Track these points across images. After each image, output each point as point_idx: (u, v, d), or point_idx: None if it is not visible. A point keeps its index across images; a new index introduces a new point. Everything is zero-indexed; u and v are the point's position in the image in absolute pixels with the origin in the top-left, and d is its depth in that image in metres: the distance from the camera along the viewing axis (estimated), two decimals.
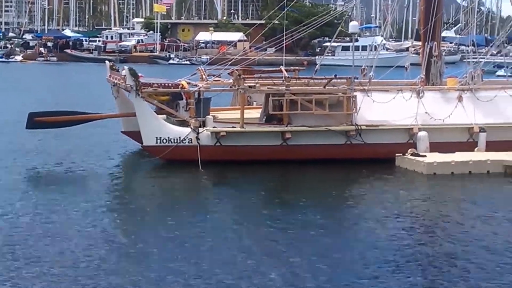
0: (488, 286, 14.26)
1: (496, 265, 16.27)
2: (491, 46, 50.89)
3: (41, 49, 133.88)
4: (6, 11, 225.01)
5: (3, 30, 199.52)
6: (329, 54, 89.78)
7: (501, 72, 45.44)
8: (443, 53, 36.20)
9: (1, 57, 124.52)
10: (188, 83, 29.99)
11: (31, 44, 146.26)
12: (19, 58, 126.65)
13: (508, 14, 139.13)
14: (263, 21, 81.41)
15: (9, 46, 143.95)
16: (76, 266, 15.70)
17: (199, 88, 29.42)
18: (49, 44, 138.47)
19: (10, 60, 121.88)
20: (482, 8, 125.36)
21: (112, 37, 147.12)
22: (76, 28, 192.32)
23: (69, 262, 15.49)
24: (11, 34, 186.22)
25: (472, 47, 49.09)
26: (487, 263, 16.47)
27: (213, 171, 26.65)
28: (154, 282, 14.82)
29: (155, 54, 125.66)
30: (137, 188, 25.87)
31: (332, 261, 16.14)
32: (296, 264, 15.97)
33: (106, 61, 36.98)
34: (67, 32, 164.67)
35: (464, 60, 59.64)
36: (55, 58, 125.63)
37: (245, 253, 16.87)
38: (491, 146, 28.62)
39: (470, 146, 28.85)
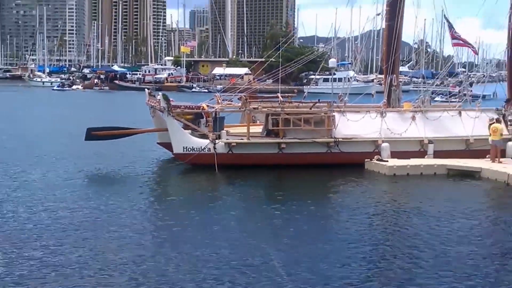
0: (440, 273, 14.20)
1: (443, 252, 16.38)
2: (436, 79, 50.90)
3: (96, 80, 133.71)
4: (69, 51, 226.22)
5: (67, 66, 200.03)
6: (314, 84, 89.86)
7: (438, 98, 45.34)
8: (400, 84, 36.04)
9: (58, 87, 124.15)
10: (207, 106, 29.99)
11: (88, 76, 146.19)
12: (79, 87, 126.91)
13: (448, 53, 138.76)
14: (263, 59, 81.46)
15: (71, 78, 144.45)
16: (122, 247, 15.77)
17: (215, 110, 29.46)
18: (102, 76, 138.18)
19: (65, 89, 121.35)
20: (429, 49, 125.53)
21: (149, 71, 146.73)
22: (122, 64, 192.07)
23: (117, 244, 15.40)
24: (73, 69, 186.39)
25: (422, 79, 48.93)
26: (436, 246, 16.59)
27: (226, 173, 26.58)
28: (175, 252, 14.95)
29: (181, 84, 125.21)
30: (167, 186, 25.86)
31: (304, 239, 16.30)
32: (280, 242, 16.17)
33: (146, 89, 37.17)
34: (115, 67, 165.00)
35: (415, 89, 59.83)
36: (107, 87, 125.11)
37: (243, 230, 17.19)
38: (437, 154, 28.69)
39: (421, 154, 28.90)
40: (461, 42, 35.97)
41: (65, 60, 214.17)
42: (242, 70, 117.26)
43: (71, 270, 14.03)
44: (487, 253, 15.96)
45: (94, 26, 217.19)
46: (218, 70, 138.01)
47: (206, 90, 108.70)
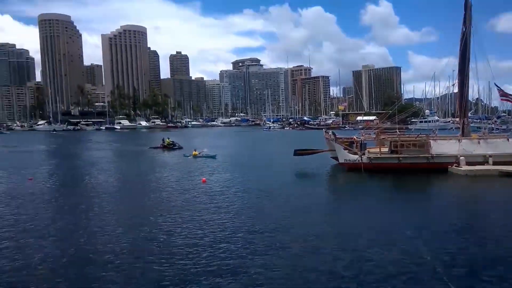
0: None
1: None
2: (490, 120, 45.15)
3: (296, 124, 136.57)
4: (282, 110, 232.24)
5: (281, 117, 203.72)
6: (415, 125, 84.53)
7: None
8: (469, 123, 32.08)
9: (266, 129, 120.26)
10: (356, 137, 29.29)
11: (291, 122, 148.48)
12: (289, 128, 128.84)
13: (495, 105, 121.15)
14: (385, 111, 77.34)
15: (283, 124, 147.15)
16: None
17: (361, 139, 28.66)
18: (298, 122, 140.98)
19: (270, 130, 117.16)
20: (482, 103, 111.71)
21: (322, 119, 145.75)
22: (308, 116, 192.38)
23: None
24: (284, 119, 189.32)
25: (481, 120, 43.46)
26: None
27: (369, 174, 25.48)
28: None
29: (339, 126, 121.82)
30: (335, 178, 24.91)
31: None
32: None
33: (323, 129, 37.01)
34: (305, 118, 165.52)
35: (475, 125, 53.28)
36: (303, 128, 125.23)
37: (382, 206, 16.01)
38: (495, 163, 25.11)
39: (483, 163, 25.39)
40: (509, 98, 31.37)
41: (279, 115, 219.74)
42: (372, 117, 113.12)
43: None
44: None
45: (293, 98, 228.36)
46: (359, 118, 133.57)
47: (352, 129, 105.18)
